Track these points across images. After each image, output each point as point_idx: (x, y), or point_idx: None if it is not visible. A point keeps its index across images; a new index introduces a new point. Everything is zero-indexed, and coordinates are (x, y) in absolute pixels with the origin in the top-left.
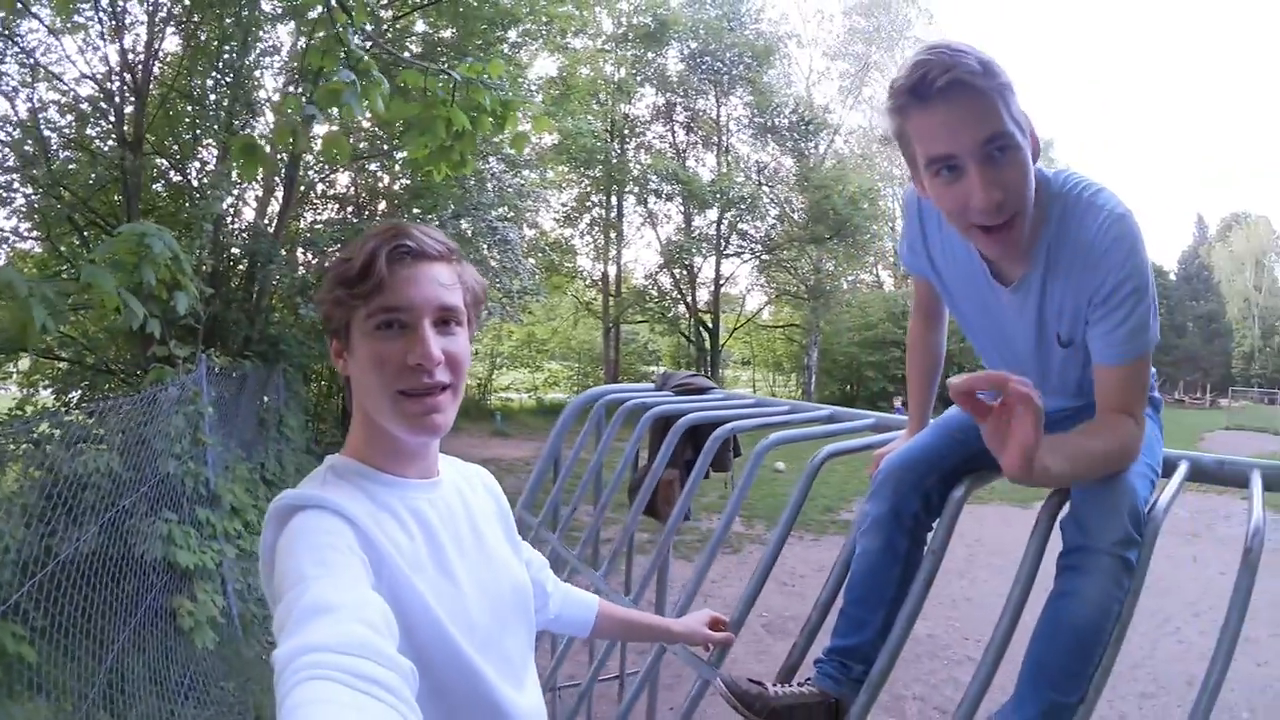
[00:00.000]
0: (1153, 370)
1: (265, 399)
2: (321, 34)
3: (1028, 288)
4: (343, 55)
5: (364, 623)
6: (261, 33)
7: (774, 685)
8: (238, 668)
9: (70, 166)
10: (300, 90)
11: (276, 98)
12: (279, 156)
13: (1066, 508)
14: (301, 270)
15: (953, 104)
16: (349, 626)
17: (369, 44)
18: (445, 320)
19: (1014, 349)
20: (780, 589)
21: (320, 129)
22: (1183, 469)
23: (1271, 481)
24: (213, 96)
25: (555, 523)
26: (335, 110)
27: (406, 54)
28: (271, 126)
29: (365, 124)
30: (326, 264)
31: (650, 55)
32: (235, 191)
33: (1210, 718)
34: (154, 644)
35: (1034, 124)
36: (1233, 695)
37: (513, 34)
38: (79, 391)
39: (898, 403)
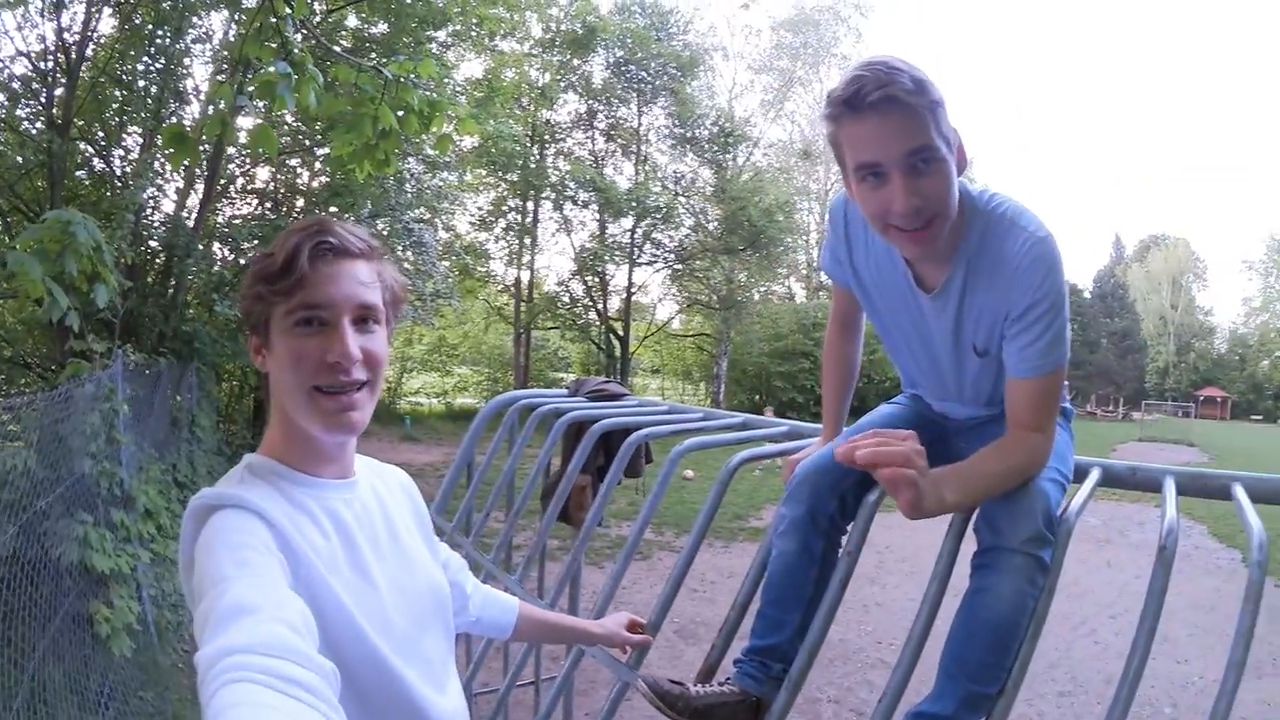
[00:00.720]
0: (1065, 383)
1: (179, 398)
2: (259, 24)
3: (947, 296)
4: (279, 47)
5: (284, 624)
6: (195, 19)
7: (695, 685)
8: (155, 676)
9: None
10: (231, 80)
11: (205, 87)
12: (202, 148)
13: (978, 512)
14: (218, 266)
15: (883, 117)
16: (270, 627)
17: (305, 37)
18: (364, 318)
19: (931, 356)
20: (691, 595)
21: (245, 122)
22: (1095, 474)
23: (1184, 487)
24: (142, 82)
25: (469, 528)
26: (263, 103)
27: (338, 49)
28: (198, 116)
29: (290, 119)
30: (243, 260)
31: (576, 62)
32: (157, 183)
33: (1131, 711)
34: (72, 652)
35: (963, 140)
36: (1155, 692)
37: (443, 34)
38: None
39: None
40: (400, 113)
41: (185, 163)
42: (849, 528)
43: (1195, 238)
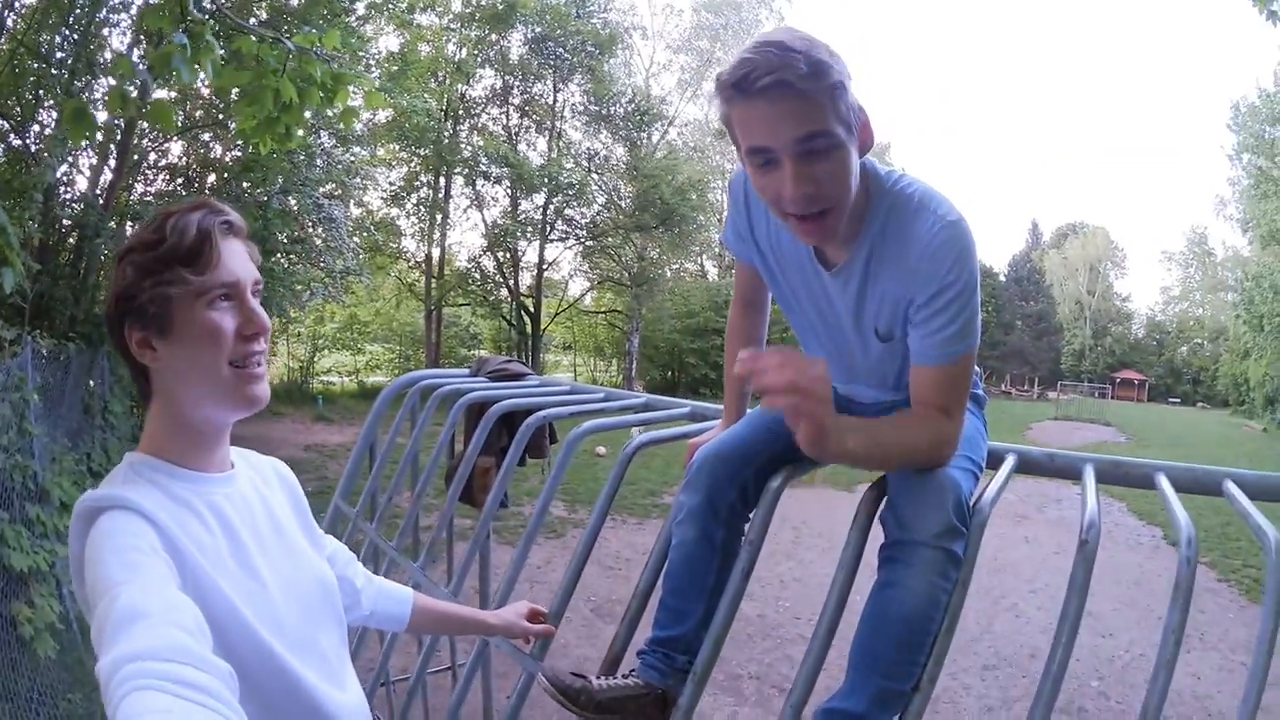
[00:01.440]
0: (976, 370)
1: (91, 384)
2: None
3: (849, 275)
4: (179, 17)
5: (178, 627)
6: None
7: (598, 678)
8: (81, 677)
9: None
10: (137, 53)
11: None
12: (116, 124)
13: (884, 502)
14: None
15: (773, 103)
16: (164, 631)
17: (212, 7)
18: (257, 291)
19: (834, 337)
20: (607, 573)
21: (159, 94)
22: (1010, 461)
23: (1104, 475)
24: (59, 54)
25: (373, 512)
26: (162, 76)
27: (253, 21)
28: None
29: (204, 91)
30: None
31: (494, 37)
32: (70, 160)
33: (1055, 701)
34: (0, 657)
35: (868, 118)
36: (1081, 666)
37: (361, 6)
38: None
39: None
40: (303, 85)
41: (87, 139)
42: (751, 515)
43: (1114, 226)
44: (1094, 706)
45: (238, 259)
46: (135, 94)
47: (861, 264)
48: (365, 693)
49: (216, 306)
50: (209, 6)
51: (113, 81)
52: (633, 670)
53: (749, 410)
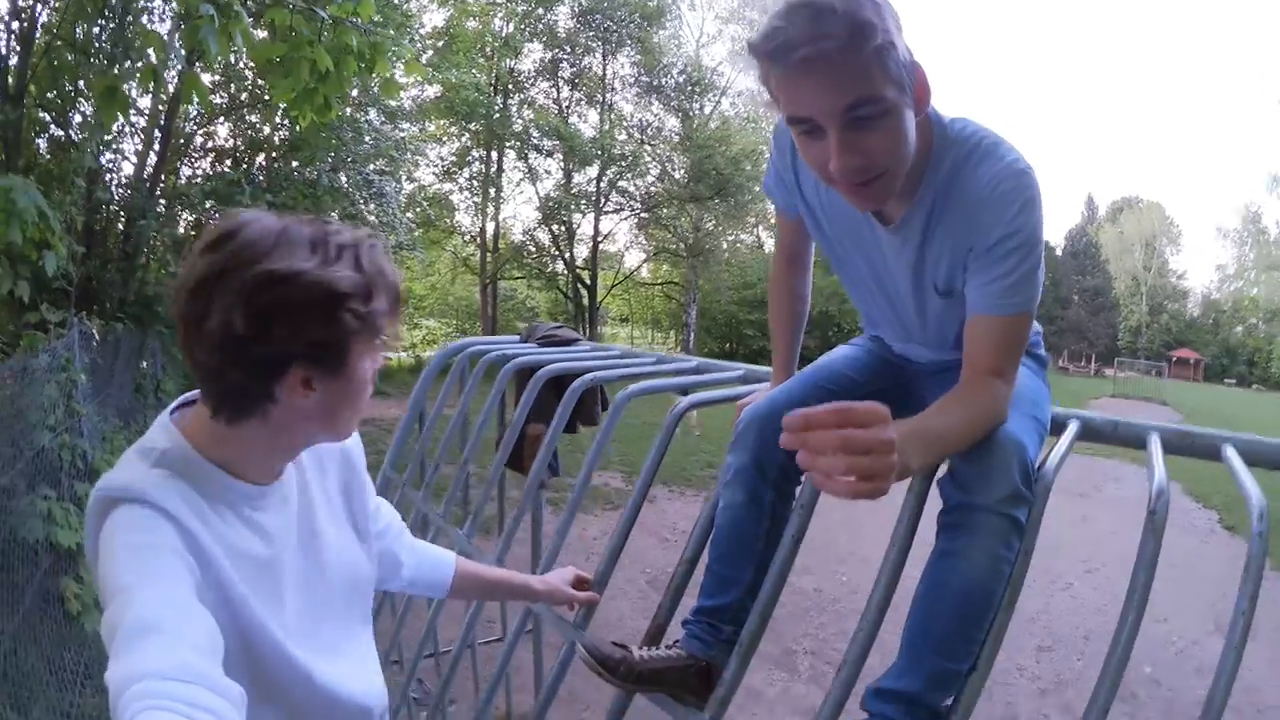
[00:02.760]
0: (1038, 329)
1: (143, 364)
2: None
3: (909, 230)
4: None
5: (192, 645)
6: None
7: (639, 649)
8: None
9: None
10: (174, 32)
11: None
12: (160, 108)
13: (944, 466)
14: (179, 227)
15: (811, 74)
16: (177, 651)
17: None
18: None
19: (889, 295)
20: (663, 544)
21: (206, 77)
22: (1073, 427)
23: (1170, 445)
24: (97, 45)
25: (421, 479)
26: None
27: (290, 7)
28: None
29: (247, 72)
30: (203, 218)
31: (541, 11)
32: (114, 146)
33: (1121, 678)
34: (48, 632)
35: (923, 72)
36: (1134, 652)
37: None
38: None
39: None
40: (340, 55)
41: (120, 118)
42: (802, 477)
43: (1169, 201)
44: (1146, 693)
45: None
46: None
47: (922, 219)
48: (410, 663)
49: (374, 363)
50: None
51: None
52: (676, 641)
53: (798, 370)
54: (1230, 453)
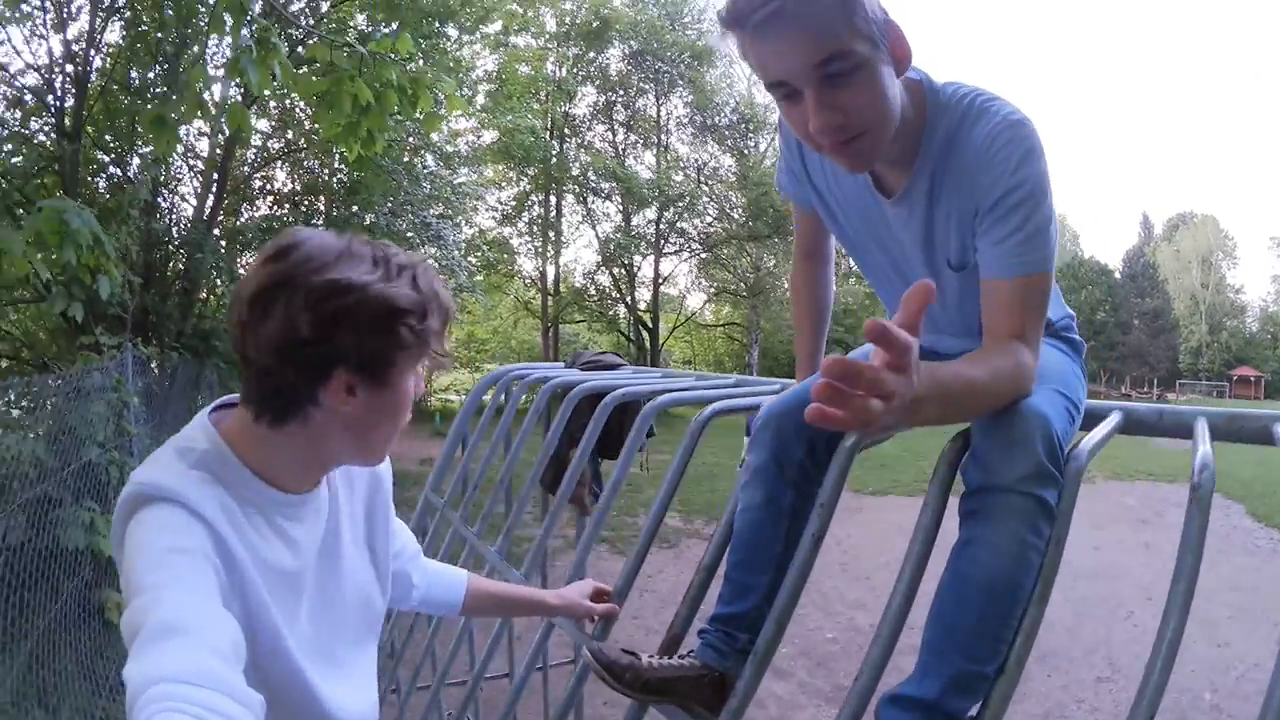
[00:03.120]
0: (1070, 313)
1: (199, 397)
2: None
3: (912, 201)
4: (246, 21)
5: (214, 651)
6: (200, 22)
7: (650, 657)
8: None
9: (14, 160)
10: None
11: (216, 90)
12: (218, 154)
13: (968, 451)
14: (239, 267)
15: (777, 35)
16: (199, 655)
17: (276, 17)
18: None
19: (906, 277)
20: (681, 565)
21: (262, 124)
22: (1116, 417)
23: (1218, 429)
24: (153, 90)
25: (460, 501)
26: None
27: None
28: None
29: (302, 117)
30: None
31: (592, 54)
32: (174, 187)
33: (1169, 694)
34: (85, 639)
35: (899, 30)
36: (1194, 677)
37: (452, 30)
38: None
39: None
40: (380, 87)
41: (168, 148)
42: (823, 477)
43: (1223, 214)
44: None
45: None
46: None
47: (925, 187)
48: (467, 688)
49: (412, 379)
50: (283, 36)
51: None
52: (691, 650)
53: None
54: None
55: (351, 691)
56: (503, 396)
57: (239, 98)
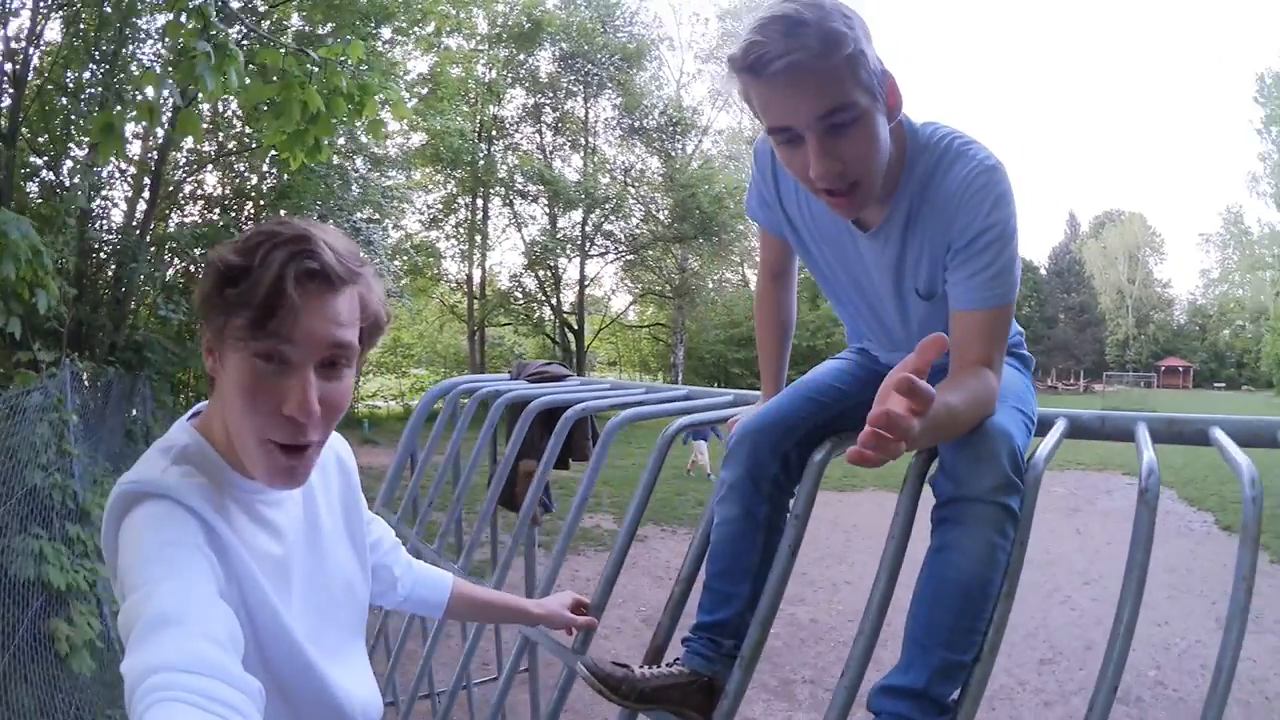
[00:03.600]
0: (1019, 329)
1: (133, 411)
2: (182, 8)
3: (886, 235)
4: (201, 29)
5: (211, 639)
6: (139, 21)
7: (641, 667)
8: (120, 696)
9: None
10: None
11: (149, 88)
12: (150, 158)
13: (935, 465)
14: (168, 273)
15: (789, 84)
16: (196, 644)
17: (231, 20)
18: (334, 361)
19: (870, 303)
20: (656, 582)
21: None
22: (1061, 424)
23: (1158, 433)
24: (89, 91)
25: (414, 518)
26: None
27: (282, 50)
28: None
29: (235, 121)
30: (193, 267)
31: (522, 56)
32: (105, 192)
33: (1126, 658)
34: (39, 673)
35: (894, 80)
36: (1138, 655)
37: (387, 31)
38: None
39: None
40: (329, 95)
41: (116, 155)
42: (795, 490)
43: (1151, 211)
44: (1151, 695)
45: (311, 319)
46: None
47: (900, 222)
48: (406, 703)
49: (261, 363)
50: (234, 31)
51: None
52: (677, 659)
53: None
54: (1217, 433)
55: (355, 680)
56: (452, 411)
57: (175, 101)
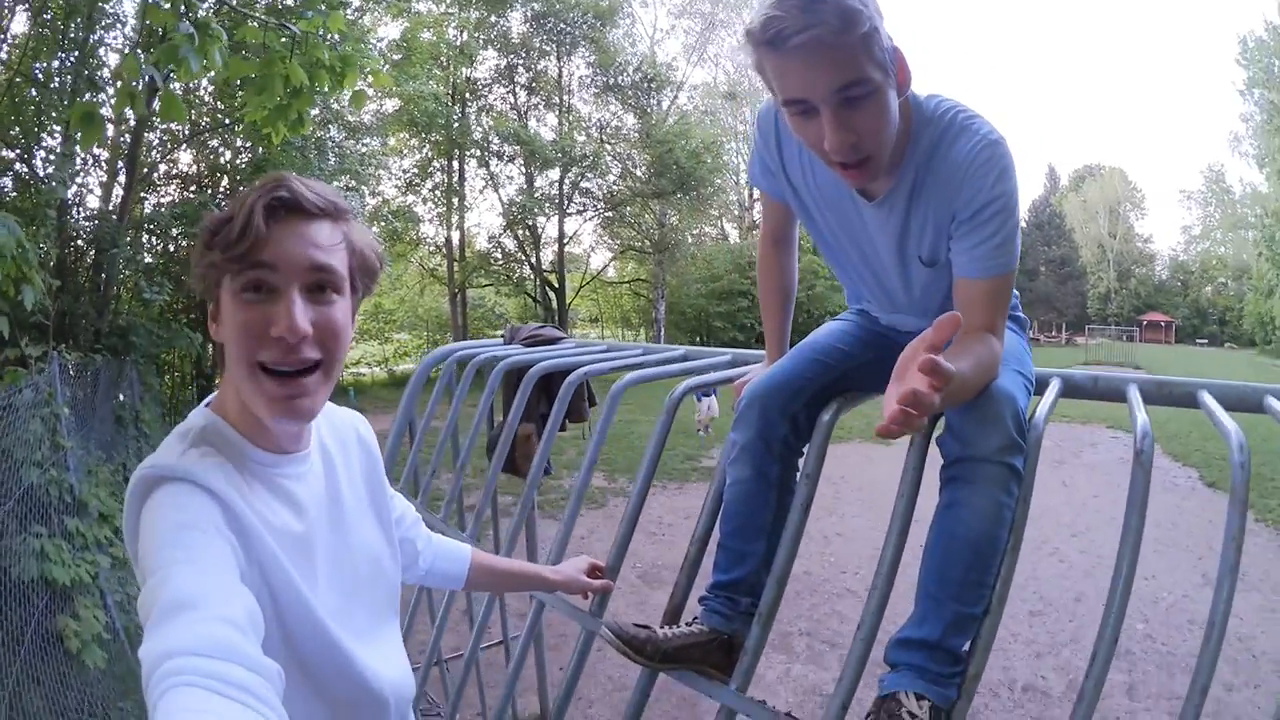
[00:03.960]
0: (1015, 292)
1: (120, 396)
2: None
3: (891, 205)
4: (183, 10)
5: (228, 622)
6: (106, 6)
7: (662, 628)
8: (131, 686)
9: None
10: (136, 52)
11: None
12: (122, 139)
13: (941, 424)
14: (146, 255)
15: (806, 59)
16: (212, 627)
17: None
18: (320, 285)
19: (874, 268)
20: (650, 539)
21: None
22: (1056, 385)
23: (1149, 395)
24: (58, 80)
25: (416, 488)
26: (173, 74)
27: (253, 21)
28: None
29: (207, 98)
30: (171, 247)
31: (494, 18)
32: (79, 179)
33: (1125, 613)
34: (49, 672)
35: (903, 56)
36: (1126, 608)
37: None
38: None
39: None
40: (312, 69)
41: (96, 144)
42: (804, 449)
43: (1132, 167)
44: (1141, 649)
45: (287, 243)
46: (142, 90)
47: (905, 192)
48: (420, 672)
49: (250, 295)
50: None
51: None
52: (695, 618)
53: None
54: (1205, 397)
55: (385, 660)
56: (449, 378)
57: (157, 84)
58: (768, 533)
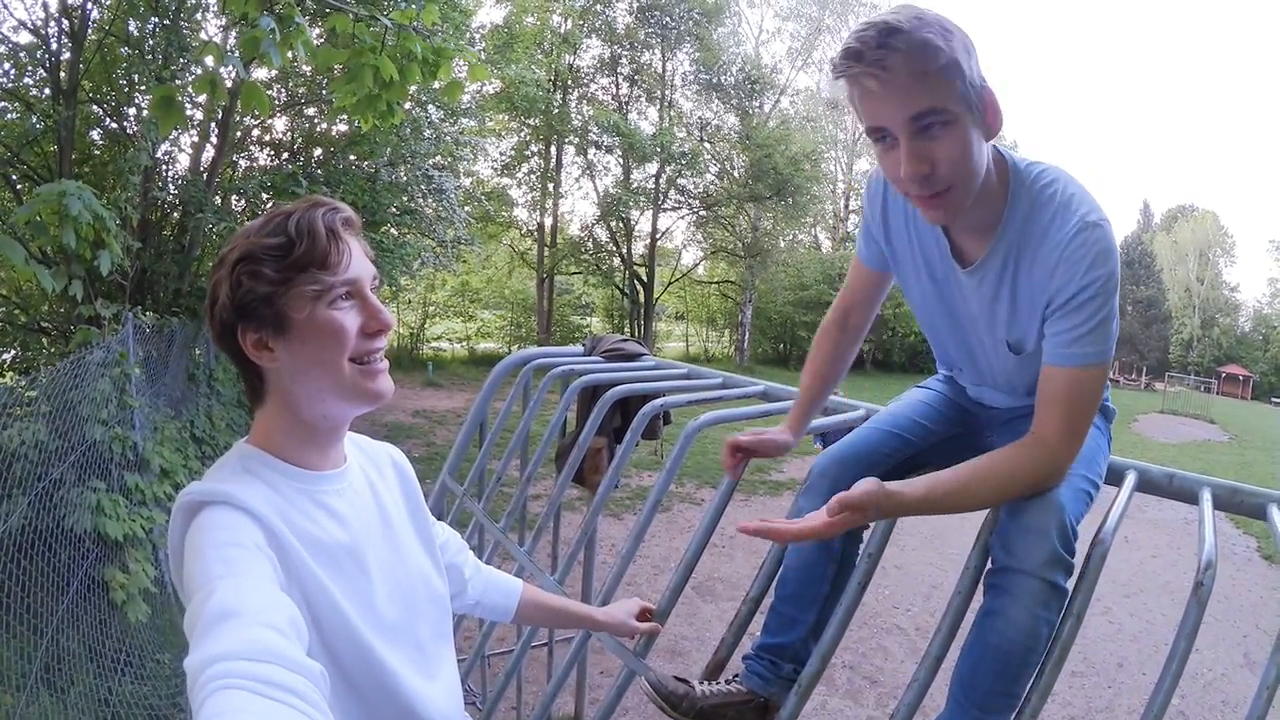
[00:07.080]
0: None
1: (196, 352)
2: None
3: (985, 273)
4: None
5: (270, 627)
6: None
7: (701, 684)
8: (172, 639)
9: (8, 117)
10: (231, 37)
11: (209, 59)
12: (216, 106)
13: (996, 527)
14: (234, 219)
15: (884, 83)
16: (255, 632)
17: None
18: (375, 288)
19: (964, 338)
20: (710, 550)
21: (260, 73)
22: (1131, 479)
23: (1221, 501)
24: (150, 42)
25: (480, 490)
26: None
27: (352, 16)
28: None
29: (305, 69)
30: (259, 212)
31: (599, 7)
32: (170, 139)
33: (1137, 699)
34: (89, 619)
35: (995, 99)
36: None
37: None
38: (12, 352)
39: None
40: (404, 61)
41: (176, 127)
42: (871, 525)
43: (1224, 210)
44: None
45: (356, 254)
46: (228, 79)
47: (999, 262)
48: (464, 668)
49: (338, 305)
50: None
51: (208, 63)
52: (736, 675)
53: (875, 413)
54: (1275, 514)
55: (432, 683)
56: (524, 386)
57: (239, 74)
58: (821, 603)
